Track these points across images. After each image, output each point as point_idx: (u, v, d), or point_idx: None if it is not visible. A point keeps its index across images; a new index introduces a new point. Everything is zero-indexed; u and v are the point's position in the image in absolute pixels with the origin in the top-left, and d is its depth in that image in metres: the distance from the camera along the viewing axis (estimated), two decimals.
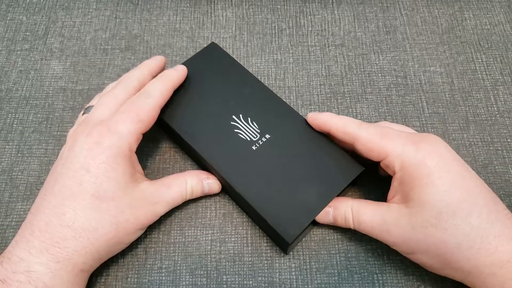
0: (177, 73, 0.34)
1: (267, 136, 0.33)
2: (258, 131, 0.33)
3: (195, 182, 0.33)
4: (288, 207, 0.30)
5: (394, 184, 0.30)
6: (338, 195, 0.32)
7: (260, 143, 0.33)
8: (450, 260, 0.27)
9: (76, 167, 0.28)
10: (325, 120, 0.32)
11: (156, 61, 0.35)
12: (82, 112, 0.34)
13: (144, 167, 0.36)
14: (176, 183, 0.32)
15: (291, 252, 0.32)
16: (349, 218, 0.30)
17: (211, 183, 0.33)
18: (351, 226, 0.31)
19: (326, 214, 0.31)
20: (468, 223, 0.26)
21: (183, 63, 0.36)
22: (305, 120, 0.34)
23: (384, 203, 0.30)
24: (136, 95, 0.31)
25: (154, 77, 0.35)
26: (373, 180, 0.35)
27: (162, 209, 0.31)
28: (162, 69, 0.35)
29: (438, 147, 0.28)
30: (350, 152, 0.33)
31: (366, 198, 0.34)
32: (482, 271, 0.26)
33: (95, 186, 0.28)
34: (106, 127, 0.29)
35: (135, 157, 0.31)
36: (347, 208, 0.31)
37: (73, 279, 0.27)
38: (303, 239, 0.33)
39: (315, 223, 0.33)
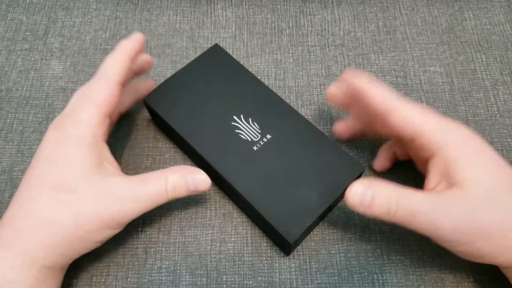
0: (131, 44, 0.31)
1: (268, 136, 0.33)
2: (259, 131, 0.33)
3: (177, 177, 0.29)
4: (289, 208, 0.30)
5: (437, 166, 0.27)
6: (339, 196, 0.32)
7: (261, 143, 0.33)
8: None
9: (40, 157, 0.27)
10: (361, 85, 0.29)
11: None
12: None
13: (144, 167, 0.36)
14: (155, 179, 0.29)
15: (291, 252, 0.32)
16: (392, 205, 0.25)
17: (197, 179, 0.30)
18: (391, 216, 0.25)
19: (361, 198, 0.26)
20: None
21: (187, 65, 0.36)
22: (307, 121, 0.34)
23: (429, 191, 0.27)
24: (92, 79, 0.30)
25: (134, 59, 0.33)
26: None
27: (133, 207, 0.28)
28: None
29: (473, 132, 0.27)
30: (359, 137, 0.32)
31: None
32: None
33: (56, 176, 0.26)
34: (68, 117, 0.28)
35: (103, 146, 0.29)
36: (390, 192, 0.26)
37: (36, 275, 0.26)
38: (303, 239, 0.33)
39: (317, 223, 0.33)
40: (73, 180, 0.27)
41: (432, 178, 0.27)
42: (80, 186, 0.27)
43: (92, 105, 0.28)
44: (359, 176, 0.32)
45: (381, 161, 0.35)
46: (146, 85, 0.37)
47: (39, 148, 0.28)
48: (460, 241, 0.26)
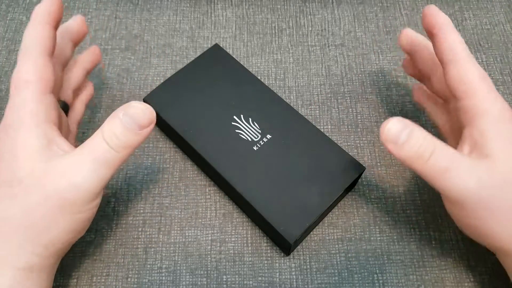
0: (43, 7, 0.27)
1: (268, 136, 0.33)
2: (259, 131, 0.33)
3: (110, 122, 0.25)
4: (290, 208, 0.30)
5: (474, 135, 0.26)
6: (340, 196, 0.32)
7: (261, 143, 0.33)
8: None
9: None
10: (442, 23, 0.28)
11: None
12: None
13: (144, 167, 0.36)
14: (91, 139, 0.25)
15: (291, 252, 0.32)
16: (427, 151, 0.24)
17: (132, 113, 0.25)
18: (421, 164, 0.25)
19: (397, 135, 0.25)
20: None
21: (187, 65, 0.36)
22: (307, 121, 0.34)
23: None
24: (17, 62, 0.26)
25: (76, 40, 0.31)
26: (373, 180, 0.35)
27: (82, 180, 0.24)
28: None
29: None
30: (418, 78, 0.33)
31: (366, 199, 0.35)
32: None
33: (4, 172, 0.25)
34: (7, 107, 0.26)
35: (48, 127, 0.26)
36: (429, 139, 0.25)
37: (10, 283, 0.23)
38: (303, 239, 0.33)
39: (317, 223, 0.33)
40: (17, 171, 0.24)
41: (465, 146, 0.27)
42: (25, 176, 0.24)
43: (23, 87, 0.25)
44: (359, 176, 0.32)
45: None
46: (91, 52, 0.34)
47: None
48: (479, 212, 0.25)
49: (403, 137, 0.24)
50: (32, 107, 0.25)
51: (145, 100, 0.35)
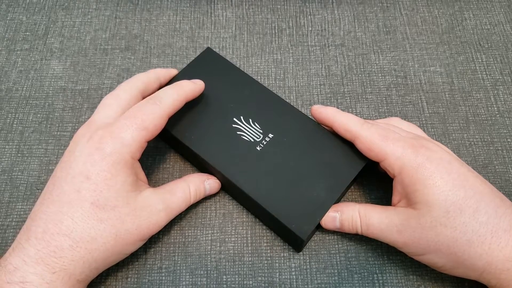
0: (194, 86, 0.32)
1: (270, 135, 0.33)
2: (261, 131, 0.33)
3: (198, 185, 0.32)
4: (298, 205, 0.30)
5: (397, 187, 0.29)
6: (346, 189, 0.32)
7: (264, 143, 0.33)
8: (462, 258, 0.27)
9: (75, 173, 0.27)
10: (328, 115, 0.32)
11: (166, 70, 0.35)
12: None
13: (144, 167, 0.36)
14: (180, 189, 0.31)
15: (291, 252, 0.32)
16: (356, 221, 0.30)
17: (211, 183, 0.33)
18: (359, 231, 0.30)
19: (333, 220, 0.31)
20: (476, 219, 0.26)
21: (180, 72, 0.36)
22: (306, 117, 0.34)
23: (391, 207, 0.30)
24: (145, 100, 0.30)
25: (162, 85, 0.34)
26: (373, 180, 0.35)
27: (165, 218, 0.30)
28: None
29: (437, 151, 0.28)
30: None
31: (366, 198, 0.35)
32: (496, 267, 0.26)
33: (95, 194, 0.27)
34: (108, 132, 0.28)
35: (138, 165, 0.30)
36: (354, 212, 0.30)
37: (72, 286, 0.26)
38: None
39: None
40: (112, 198, 0.27)
41: (395, 196, 0.30)
42: (120, 203, 0.27)
43: (140, 128, 0.28)
44: (363, 169, 0.32)
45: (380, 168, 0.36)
46: (169, 72, 0.37)
47: (70, 158, 0.28)
48: (415, 252, 0.29)
49: (337, 222, 0.31)
50: (136, 149, 0.28)
51: None
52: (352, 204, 0.31)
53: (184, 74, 0.36)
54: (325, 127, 0.33)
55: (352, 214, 0.30)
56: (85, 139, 0.28)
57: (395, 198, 0.30)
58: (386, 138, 0.29)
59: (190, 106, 0.34)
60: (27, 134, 0.38)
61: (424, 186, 0.27)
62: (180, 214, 0.34)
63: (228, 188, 0.34)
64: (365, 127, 0.30)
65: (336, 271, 0.32)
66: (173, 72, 0.36)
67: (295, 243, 0.31)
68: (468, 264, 0.27)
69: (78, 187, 0.27)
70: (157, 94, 0.30)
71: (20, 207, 0.34)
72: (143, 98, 0.32)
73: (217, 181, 0.33)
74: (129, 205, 0.28)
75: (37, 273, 0.25)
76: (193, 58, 0.37)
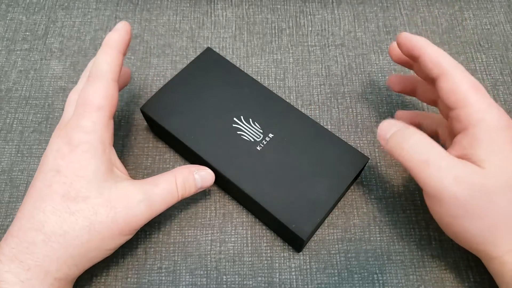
0: (119, 35, 0.29)
1: (270, 135, 0.33)
2: (261, 131, 0.33)
3: (185, 176, 0.30)
4: (299, 204, 0.30)
5: (462, 142, 0.27)
6: (346, 189, 0.32)
7: (264, 143, 0.33)
8: (503, 232, 0.25)
9: (47, 169, 0.27)
10: (419, 44, 0.29)
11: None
12: None
13: (144, 167, 0.36)
14: (164, 180, 0.29)
15: (291, 252, 0.32)
16: (407, 140, 0.27)
17: (203, 175, 0.31)
18: (401, 153, 0.27)
19: (386, 130, 0.28)
20: None
21: (180, 72, 0.36)
22: (307, 117, 0.34)
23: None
24: (85, 82, 0.28)
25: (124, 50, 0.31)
26: (373, 180, 0.35)
27: (146, 210, 0.28)
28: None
29: None
30: (409, 93, 0.33)
31: (366, 198, 0.35)
32: None
33: (65, 186, 0.26)
34: (70, 126, 0.27)
35: (111, 151, 0.29)
36: (411, 132, 0.27)
37: (51, 285, 0.25)
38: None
39: (326, 217, 0.33)
40: (85, 188, 0.26)
41: (453, 151, 0.27)
42: (92, 194, 0.26)
43: (94, 109, 0.27)
44: (363, 167, 0.32)
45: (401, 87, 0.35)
46: (124, 72, 0.35)
47: (43, 159, 0.28)
48: (454, 210, 0.26)
49: (390, 132, 0.28)
50: (101, 132, 0.27)
51: (142, 110, 0.35)
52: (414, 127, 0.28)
53: (184, 74, 0.36)
54: (408, 57, 0.31)
55: (408, 129, 0.28)
56: (55, 137, 0.28)
57: (455, 152, 0.27)
58: (477, 89, 0.27)
59: (190, 106, 0.34)
60: (27, 134, 0.38)
61: (504, 149, 0.25)
62: (180, 214, 0.34)
63: (228, 188, 0.34)
64: (460, 68, 0.28)
65: (336, 271, 0.32)
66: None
67: (295, 243, 0.31)
68: (502, 241, 0.25)
69: (50, 181, 0.26)
70: (91, 69, 0.29)
71: (20, 207, 0.34)
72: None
73: (210, 172, 0.31)
74: (102, 195, 0.26)
75: (11, 271, 0.24)
76: (193, 58, 0.37)
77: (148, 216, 0.28)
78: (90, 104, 0.27)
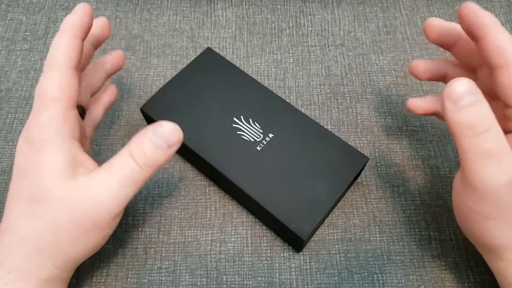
0: (76, 18, 0.26)
1: (270, 135, 0.33)
2: (261, 131, 0.33)
3: (140, 141, 0.25)
4: (299, 204, 0.30)
5: None
6: (346, 189, 0.32)
7: (264, 143, 0.33)
8: None
9: (16, 171, 0.26)
10: (486, 22, 0.25)
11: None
12: None
13: None
14: (119, 158, 0.25)
15: (291, 252, 0.32)
16: (484, 125, 0.22)
17: (162, 132, 0.25)
18: (469, 136, 0.22)
19: (459, 97, 0.22)
20: None
21: (180, 71, 0.36)
22: (307, 117, 0.34)
23: None
24: (42, 71, 0.26)
25: (98, 37, 0.30)
26: (373, 180, 0.35)
27: (111, 200, 0.25)
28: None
29: None
30: (437, 79, 0.30)
31: (366, 198, 0.35)
32: None
33: (29, 188, 0.25)
34: (28, 121, 0.26)
35: (72, 144, 0.26)
36: (491, 115, 0.22)
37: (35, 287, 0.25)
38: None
39: (325, 217, 0.33)
40: (44, 189, 0.24)
41: None
42: (52, 195, 0.25)
43: (49, 103, 0.25)
44: (363, 167, 0.32)
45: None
46: (114, 55, 0.33)
47: (14, 161, 0.26)
48: (492, 211, 0.23)
49: (466, 101, 0.21)
50: (59, 125, 0.25)
51: (142, 110, 0.35)
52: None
53: (184, 74, 0.36)
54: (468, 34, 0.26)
55: (489, 110, 0.22)
56: (20, 136, 0.26)
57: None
58: None
59: (190, 106, 0.34)
60: None
61: None
62: (180, 214, 0.34)
63: (228, 188, 0.34)
64: None
65: (336, 271, 0.32)
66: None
67: (295, 243, 0.31)
68: None
69: (17, 182, 0.25)
70: (47, 56, 0.26)
71: None
72: (82, 66, 0.29)
73: (172, 125, 0.25)
74: (62, 195, 0.25)
75: None
76: (193, 58, 0.37)
77: (117, 204, 0.25)
78: (44, 96, 0.25)
